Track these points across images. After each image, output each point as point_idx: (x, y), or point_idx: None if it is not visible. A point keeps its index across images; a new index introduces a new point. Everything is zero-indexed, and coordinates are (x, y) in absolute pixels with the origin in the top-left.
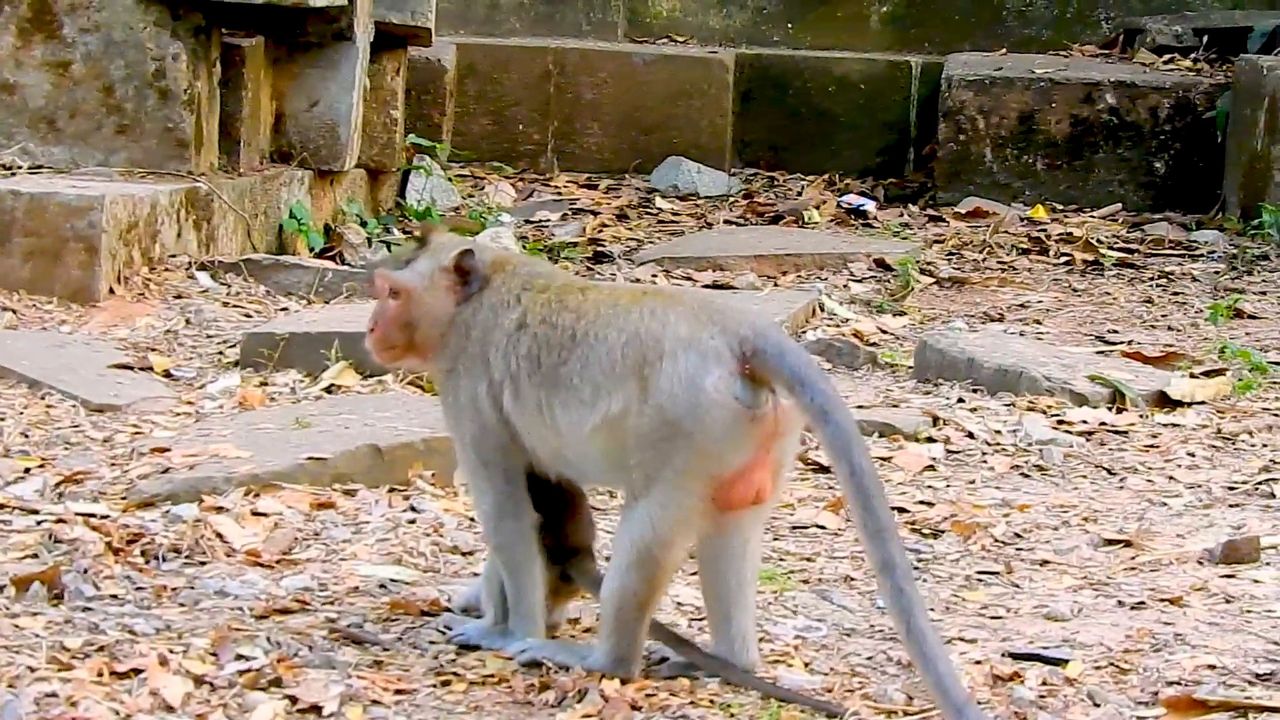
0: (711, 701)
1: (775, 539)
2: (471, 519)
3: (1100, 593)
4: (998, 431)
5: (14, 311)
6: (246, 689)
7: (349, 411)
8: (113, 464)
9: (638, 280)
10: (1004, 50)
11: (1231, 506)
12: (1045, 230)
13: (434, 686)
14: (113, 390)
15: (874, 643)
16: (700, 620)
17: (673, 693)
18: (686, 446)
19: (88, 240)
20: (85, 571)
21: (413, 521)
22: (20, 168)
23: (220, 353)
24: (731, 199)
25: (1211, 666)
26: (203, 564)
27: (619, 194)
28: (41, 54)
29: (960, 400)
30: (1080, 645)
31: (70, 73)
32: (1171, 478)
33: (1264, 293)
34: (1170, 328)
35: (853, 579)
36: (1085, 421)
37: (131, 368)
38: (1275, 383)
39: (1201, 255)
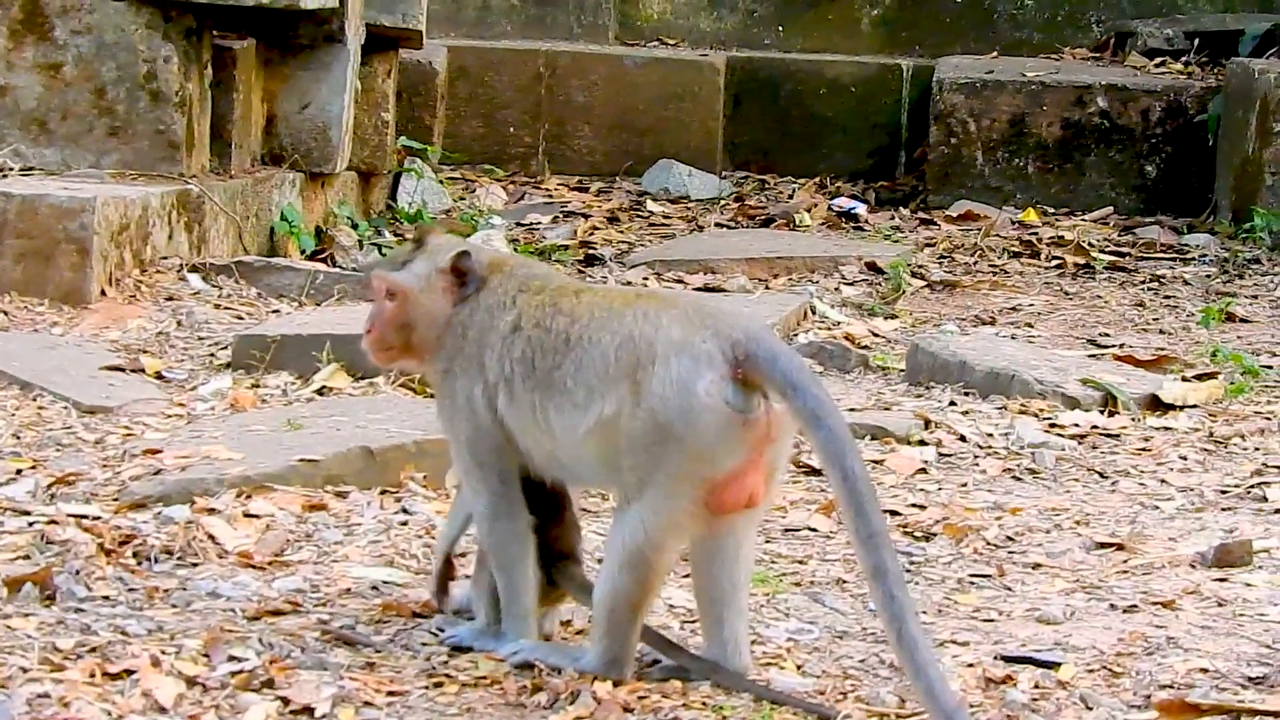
0: (704, 704)
1: (767, 541)
2: None
3: (1092, 596)
4: (990, 434)
5: (5, 313)
6: (239, 690)
7: (340, 413)
8: (104, 465)
9: (629, 283)
10: (995, 53)
11: (1224, 510)
12: (1036, 233)
13: (426, 688)
14: (104, 392)
15: (866, 645)
16: (692, 623)
17: (665, 695)
18: (678, 450)
19: (79, 242)
20: (77, 573)
21: (405, 523)
22: (12, 169)
23: (212, 355)
24: (722, 202)
25: (1204, 670)
26: (195, 565)
27: (610, 197)
28: (33, 56)
29: (952, 403)
30: (1073, 648)
31: (62, 74)
32: (1164, 481)
33: (1255, 296)
34: (1162, 331)
35: (845, 582)
36: (1077, 425)
37: (123, 369)
38: (1267, 386)
39: (1193, 259)
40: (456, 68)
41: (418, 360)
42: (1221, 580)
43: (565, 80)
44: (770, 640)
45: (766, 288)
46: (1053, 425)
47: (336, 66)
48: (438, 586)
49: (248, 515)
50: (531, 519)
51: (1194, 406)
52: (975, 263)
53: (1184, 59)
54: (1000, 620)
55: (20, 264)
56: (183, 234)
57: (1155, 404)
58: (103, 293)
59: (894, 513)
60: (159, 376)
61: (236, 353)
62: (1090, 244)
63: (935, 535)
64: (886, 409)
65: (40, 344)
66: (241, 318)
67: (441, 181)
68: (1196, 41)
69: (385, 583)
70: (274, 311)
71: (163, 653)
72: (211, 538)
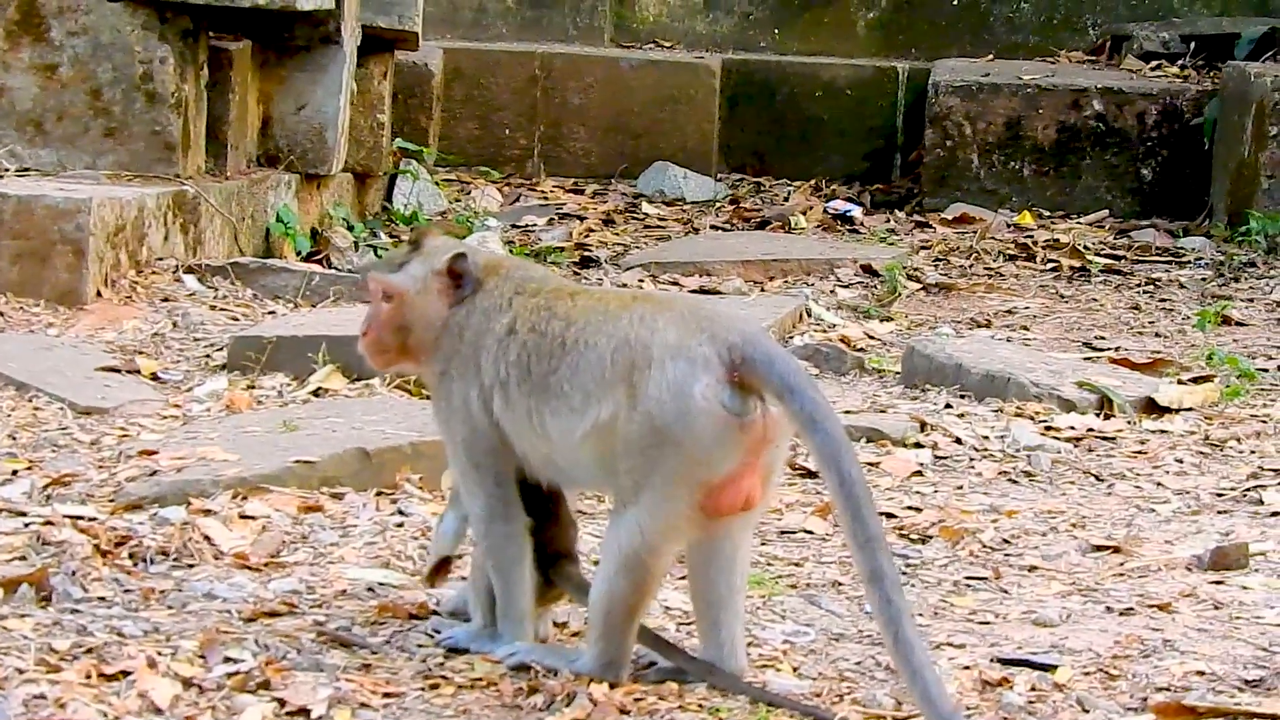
0: (700, 706)
1: (763, 544)
2: None
3: (1089, 598)
4: (985, 437)
5: (1, 314)
6: (235, 691)
7: (336, 415)
8: (100, 466)
9: (625, 285)
10: (991, 56)
11: (1220, 513)
12: (1032, 236)
13: (422, 690)
14: (100, 393)
15: (862, 648)
16: (689, 625)
17: (661, 697)
18: (675, 454)
19: (75, 243)
20: (73, 574)
21: (400, 525)
22: (7, 170)
23: (207, 356)
24: (718, 204)
25: (1200, 673)
26: (190, 567)
27: (605, 199)
28: (29, 56)
29: (948, 406)
30: (1069, 651)
31: (58, 75)
32: (1160, 484)
33: (1251, 299)
34: (1158, 334)
35: (841, 584)
36: (1073, 427)
37: (119, 370)
38: (1263, 389)
39: (1189, 262)
40: (452, 69)
41: (414, 363)
42: (1218, 583)
43: (561, 82)
44: (766, 642)
45: (762, 290)
46: (1048, 428)
47: (332, 68)
48: (432, 572)
49: (243, 516)
50: (528, 521)
51: (1190, 409)
52: (971, 265)
53: (1180, 62)
54: (996, 623)
55: (16, 265)
56: (178, 235)
57: (1151, 407)
58: (98, 294)
59: (890, 515)
60: (155, 378)
61: (232, 354)
62: (1086, 247)
63: (931, 538)
64: (882, 411)
65: (36, 345)
66: (237, 319)
67: (437, 183)
68: (1192, 45)
69: (381, 584)
70: (270, 313)
71: (159, 654)
72: (207, 539)
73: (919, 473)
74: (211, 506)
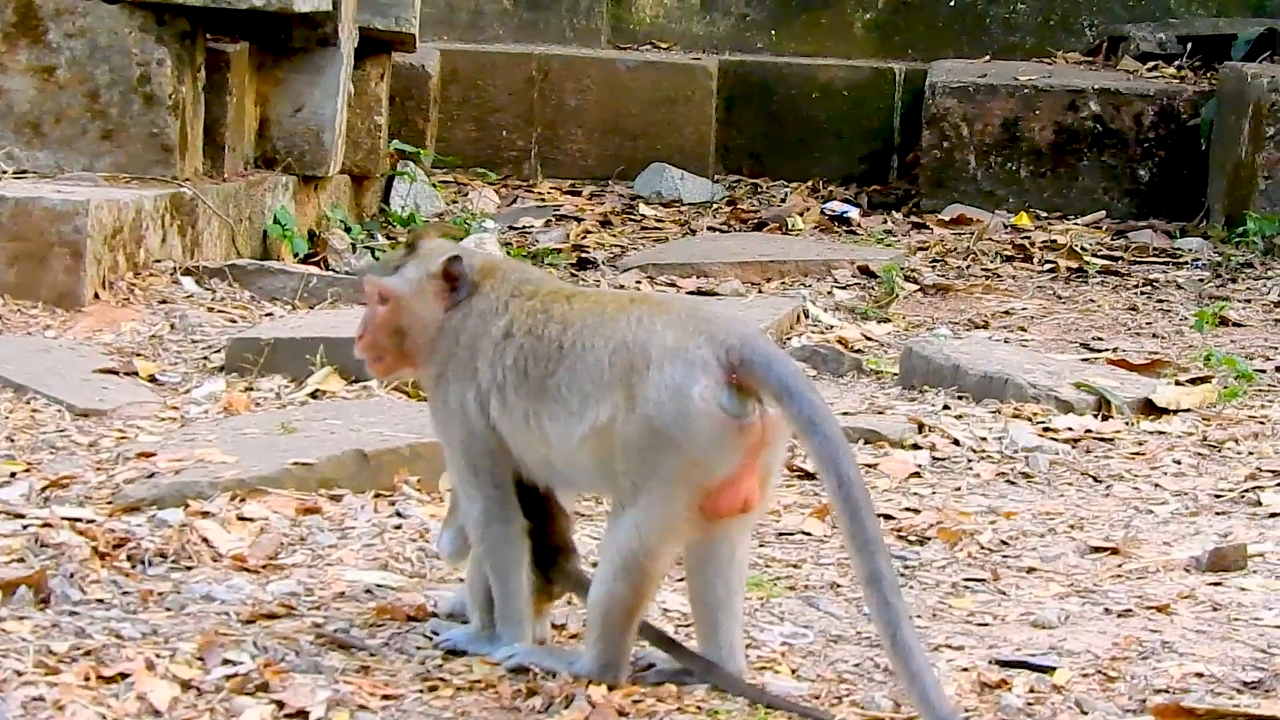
0: (699, 708)
1: (762, 545)
2: None
3: (1087, 600)
4: (983, 438)
5: None
6: (233, 694)
7: (334, 417)
8: (98, 468)
9: (622, 286)
10: (988, 57)
11: (1218, 514)
12: (1029, 237)
13: (421, 692)
14: (98, 395)
15: (861, 649)
16: (687, 627)
17: (660, 699)
18: (673, 456)
19: (73, 245)
20: (71, 576)
21: (399, 527)
22: (5, 172)
23: (205, 358)
24: (715, 205)
25: (1199, 674)
26: (189, 569)
27: (603, 200)
28: (26, 59)
29: (946, 407)
30: (1068, 653)
31: (55, 77)
32: (1158, 485)
33: (1249, 300)
34: (1155, 335)
35: (839, 585)
36: (1071, 429)
37: (117, 372)
38: (1261, 390)
39: (1186, 263)
40: (449, 71)
41: (411, 366)
42: (1216, 584)
43: (558, 84)
44: (765, 644)
45: (759, 291)
46: (1046, 429)
47: (330, 70)
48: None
49: (241, 518)
50: (526, 523)
51: (1188, 410)
52: (968, 267)
53: (1177, 63)
54: (995, 624)
55: (14, 267)
56: (176, 237)
57: (1149, 408)
58: (96, 296)
59: (888, 517)
60: (152, 380)
61: (230, 356)
62: (1083, 248)
63: (929, 539)
64: (880, 413)
65: (34, 347)
66: (235, 321)
67: (434, 185)
68: (1189, 46)
69: (379, 586)
70: (267, 315)
71: (157, 656)
72: (205, 541)
73: (917, 474)
74: (209, 508)
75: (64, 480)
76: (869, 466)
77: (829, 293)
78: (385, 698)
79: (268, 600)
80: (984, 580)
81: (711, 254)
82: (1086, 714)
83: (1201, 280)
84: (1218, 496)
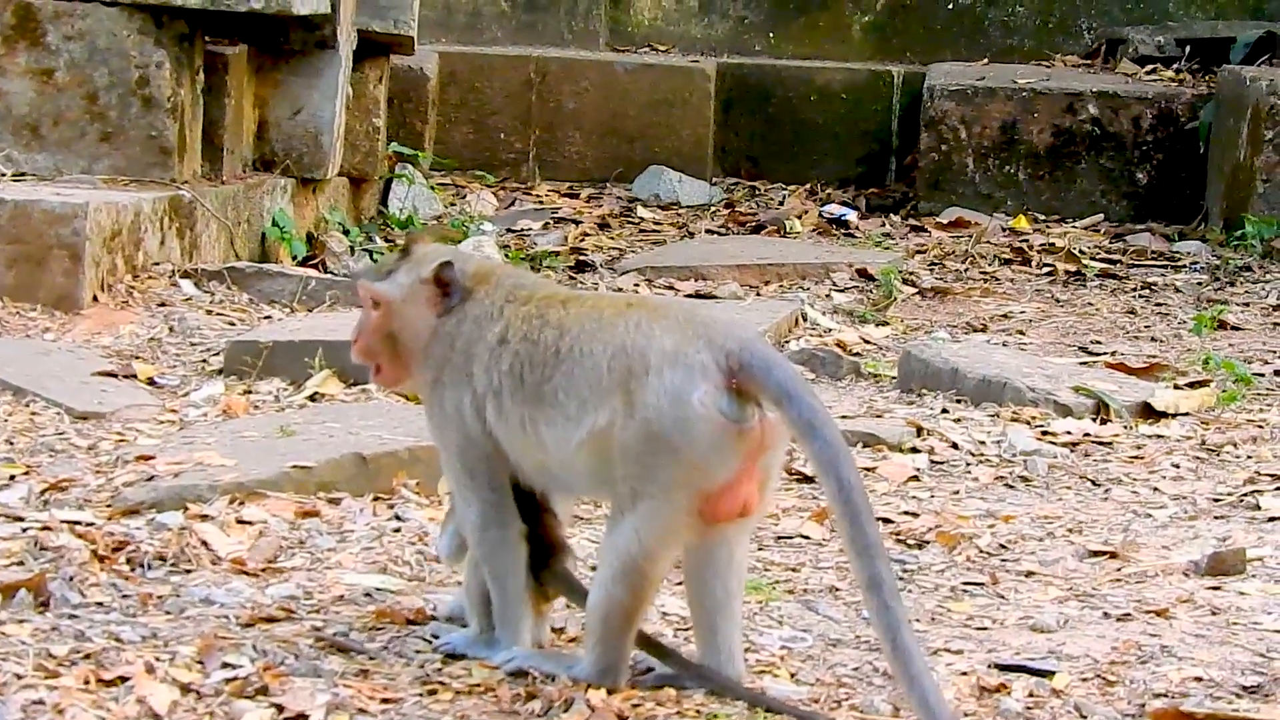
0: (698, 712)
1: (760, 549)
2: None
3: (1086, 604)
4: (982, 442)
5: None
6: (233, 697)
7: (333, 420)
8: (97, 471)
9: (620, 289)
10: (986, 60)
11: (1217, 518)
12: (1027, 240)
13: (420, 695)
14: (97, 398)
15: (860, 653)
16: (686, 630)
17: (659, 703)
18: (673, 461)
19: (72, 247)
20: (71, 579)
21: (397, 530)
22: (4, 175)
23: (204, 361)
24: (713, 208)
25: (1198, 679)
26: (188, 572)
27: (600, 203)
28: (25, 61)
29: (944, 411)
30: (1067, 657)
31: (54, 80)
32: (1156, 489)
33: (1247, 304)
34: (1153, 339)
35: (838, 589)
36: (1069, 432)
37: (115, 375)
38: (1259, 394)
39: (1184, 266)
40: (447, 74)
41: (406, 371)
42: (1215, 588)
43: (556, 86)
44: (764, 648)
45: (757, 294)
46: (1045, 433)
47: (328, 72)
48: None
49: (241, 522)
50: (523, 527)
51: (1186, 414)
52: (966, 270)
53: (1175, 66)
54: (994, 628)
55: (12, 269)
56: (174, 240)
57: (1147, 411)
58: (95, 298)
59: (886, 520)
60: (151, 382)
61: (229, 359)
62: (1081, 251)
63: (928, 543)
64: (878, 416)
65: (33, 350)
66: (233, 324)
67: (432, 187)
68: (1188, 49)
69: (378, 589)
70: (266, 318)
71: (157, 659)
72: (205, 544)
73: (915, 478)
74: (209, 512)
75: (63, 483)
76: (867, 470)
77: (827, 296)
78: (384, 701)
79: (267, 603)
80: (983, 584)
81: (710, 257)
82: (1085, 718)
83: (1200, 283)
84: (1216, 500)
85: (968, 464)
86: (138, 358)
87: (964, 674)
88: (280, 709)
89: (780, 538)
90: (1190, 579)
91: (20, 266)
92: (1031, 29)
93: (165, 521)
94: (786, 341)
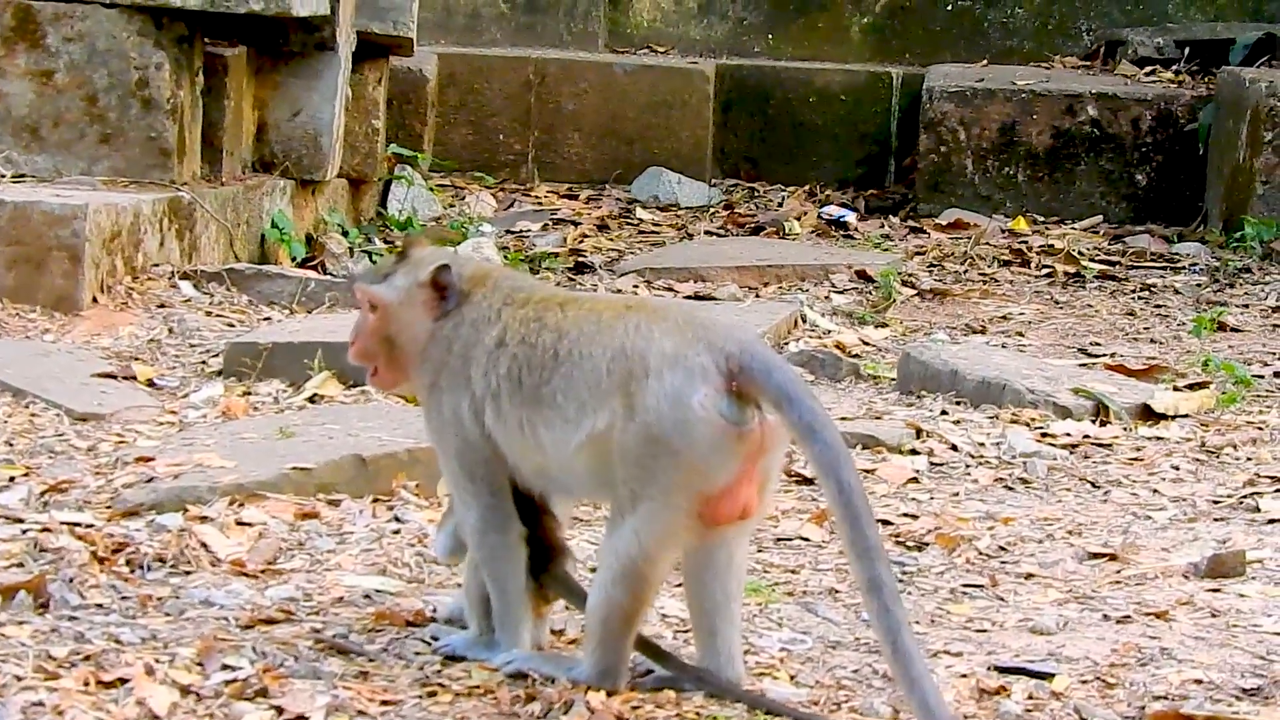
0: (698, 714)
1: (760, 551)
2: None
3: (1086, 606)
4: (981, 444)
5: None
6: (232, 699)
7: (333, 421)
8: (97, 473)
9: (619, 291)
10: (985, 62)
11: (1216, 520)
12: (1026, 242)
13: (420, 697)
14: (96, 399)
15: (859, 655)
16: (685, 633)
17: (658, 705)
18: (673, 463)
19: (71, 249)
20: (71, 580)
21: (397, 532)
22: (3, 176)
23: (203, 362)
24: (712, 210)
25: (1198, 681)
26: (188, 573)
27: (600, 204)
28: (25, 63)
29: (943, 412)
30: (1066, 659)
31: (54, 82)
32: (1156, 491)
33: (1246, 306)
34: (1153, 340)
35: (837, 591)
36: (1069, 434)
37: (115, 377)
38: (1259, 396)
39: (1183, 268)
40: (447, 75)
41: (404, 374)
42: (1215, 591)
43: (555, 87)
44: (763, 650)
45: (756, 296)
46: (1044, 435)
47: (327, 74)
48: None
49: (240, 523)
50: (523, 529)
51: (1186, 416)
52: (965, 271)
53: (1174, 68)
54: (993, 631)
55: (12, 271)
56: (174, 241)
57: (1147, 413)
58: (94, 300)
59: (886, 522)
60: (151, 384)
61: (228, 360)
62: (1081, 253)
63: (927, 545)
64: (878, 418)
65: (32, 351)
66: (233, 325)
67: (432, 189)
68: (1187, 50)
69: (378, 591)
70: (265, 319)
71: (156, 661)
72: (204, 546)
73: (915, 479)
74: (208, 513)
75: (63, 485)
76: (867, 472)
77: (826, 297)
78: (384, 703)
79: (266, 605)
80: (982, 586)
81: (709, 258)
82: None
83: (1199, 285)
84: (1216, 502)
85: (967, 466)
86: (137, 359)
87: (964, 676)
88: (280, 711)
89: (780, 540)
90: (1190, 581)
91: (20, 268)
92: (1031, 30)
93: (165, 523)
94: (785, 343)
